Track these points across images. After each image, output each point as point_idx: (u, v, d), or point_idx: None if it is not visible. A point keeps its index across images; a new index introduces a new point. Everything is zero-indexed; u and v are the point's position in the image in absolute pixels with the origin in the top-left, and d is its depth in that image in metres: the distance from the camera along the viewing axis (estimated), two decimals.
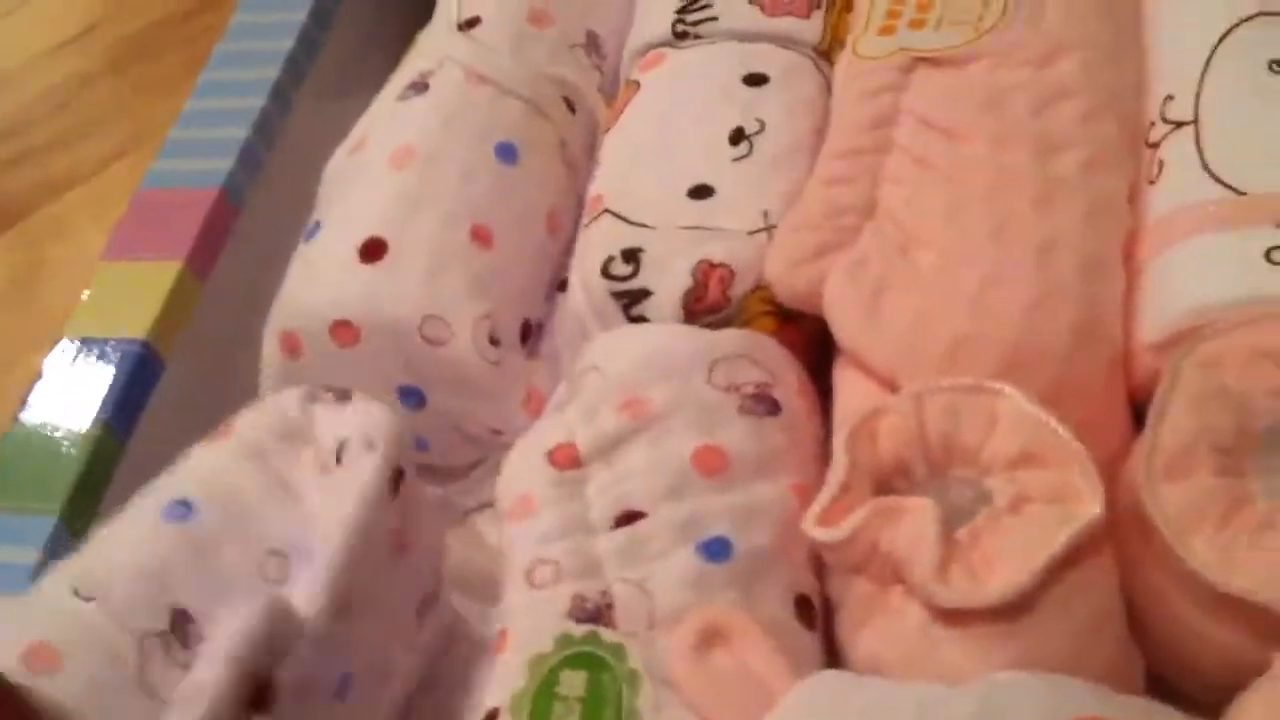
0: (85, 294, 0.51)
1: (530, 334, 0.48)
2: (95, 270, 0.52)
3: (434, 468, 0.48)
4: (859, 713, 0.31)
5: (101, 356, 0.48)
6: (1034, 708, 0.29)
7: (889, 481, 0.37)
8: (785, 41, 0.48)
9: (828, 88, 0.47)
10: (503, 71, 0.50)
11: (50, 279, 0.78)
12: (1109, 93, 0.42)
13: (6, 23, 0.95)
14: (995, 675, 0.31)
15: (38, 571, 0.43)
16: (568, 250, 0.48)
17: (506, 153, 0.48)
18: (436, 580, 0.39)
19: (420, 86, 0.50)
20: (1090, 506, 0.33)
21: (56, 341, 0.50)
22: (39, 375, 0.49)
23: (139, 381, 0.47)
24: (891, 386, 0.38)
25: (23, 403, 0.48)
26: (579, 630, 0.35)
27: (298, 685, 0.31)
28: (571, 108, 0.51)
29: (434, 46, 0.52)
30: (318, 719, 0.33)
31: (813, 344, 0.42)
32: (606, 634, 0.35)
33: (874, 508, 0.35)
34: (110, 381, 0.47)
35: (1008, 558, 0.33)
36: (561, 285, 0.49)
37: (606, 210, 0.45)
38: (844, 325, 0.39)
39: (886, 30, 0.45)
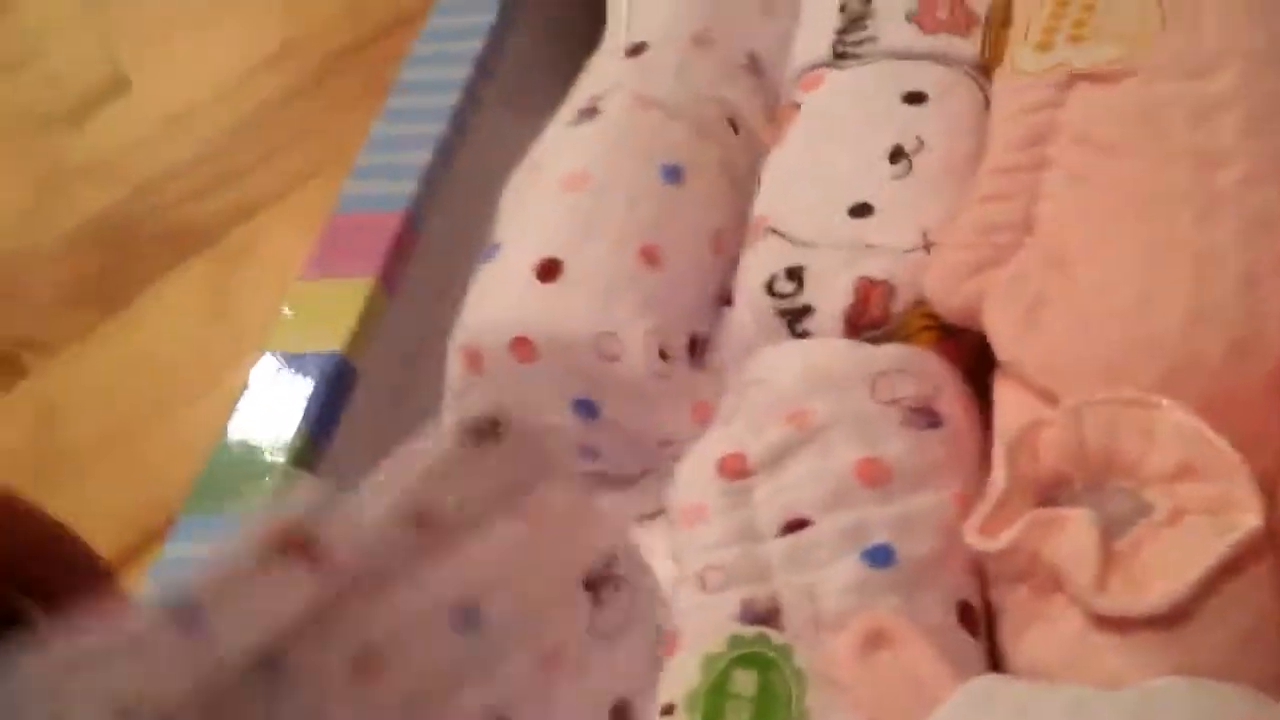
0: (286, 311, 0.55)
1: (698, 348, 0.50)
2: (291, 288, 0.56)
3: (605, 476, 0.50)
4: (1016, 713, 0.32)
5: (301, 369, 0.52)
6: (1189, 713, 0.30)
7: (1049, 492, 0.38)
8: (944, 59, 0.49)
9: (987, 103, 0.48)
10: (668, 95, 0.52)
11: (246, 297, 0.83)
12: (1269, 102, 0.42)
13: (199, 53, 1.00)
14: (1151, 680, 0.32)
15: None
16: (733, 266, 0.50)
17: (672, 174, 0.50)
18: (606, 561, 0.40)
19: (590, 112, 0.52)
20: (1249, 517, 0.34)
21: (258, 356, 0.54)
22: (245, 387, 0.53)
23: (336, 392, 0.51)
24: (1050, 399, 0.39)
25: (232, 412, 0.52)
26: (749, 631, 0.37)
27: None
28: (735, 128, 0.53)
29: (603, 72, 0.54)
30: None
31: (973, 357, 0.43)
32: (775, 635, 0.36)
33: (1034, 519, 0.36)
34: (310, 393, 0.51)
35: (1167, 568, 0.34)
36: (727, 300, 0.51)
37: (770, 229, 0.46)
38: (1002, 340, 0.41)
39: (1044, 45, 0.46)
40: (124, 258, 0.89)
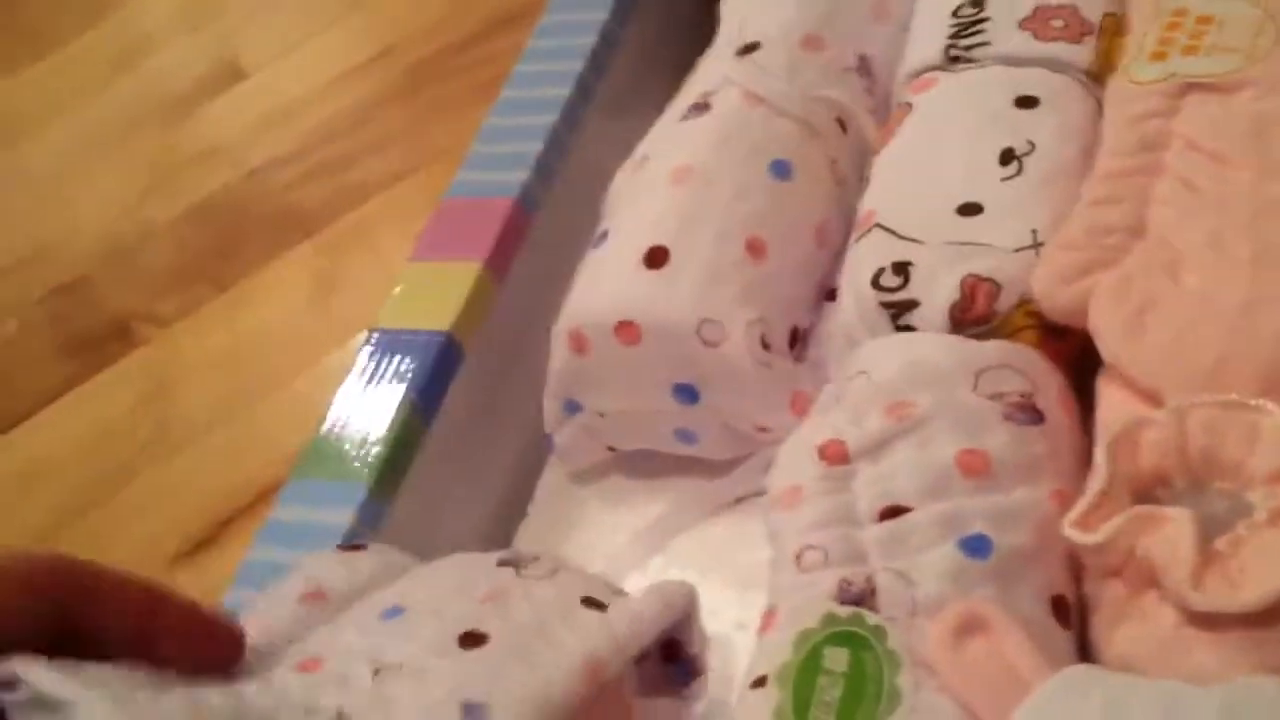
0: (396, 290, 0.56)
1: (798, 340, 0.50)
2: (402, 268, 0.58)
3: (701, 460, 0.51)
4: (1107, 705, 0.32)
5: (409, 346, 0.53)
6: (1277, 709, 0.30)
7: (1149, 491, 0.38)
8: (1056, 65, 0.49)
9: (1098, 111, 0.48)
10: (778, 93, 0.53)
11: (350, 282, 0.85)
12: None
13: (309, 47, 1.03)
14: (1242, 678, 0.32)
15: (350, 532, 0.49)
16: (836, 262, 0.51)
17: (780, 169, 0.51)
18: None
19: (702, 107, 0.53)
20: None
21: (364, 334, 0.56)
22: (351, 363, 0.55)
23: (442, 369, 0.52)
24: (1154, 400, 0.39)
25: (331, 382, 0.54)
26: (844, 611, 0.37)
27: None
28: (843, 128, 0.54)
29: (715, 69, 0.55)
30: None
31: (1076, 357, 0.44)
32: (870, 616, 0.37)
33: (1133, 515, 0.36)
34: (416, 367, 0.52)
35: (1264, 566, 0.34)
36: (829, 295, 0.51)
37: (878, 225, 0.47)
38: (1108, 340, 0.41)
39: (1159, 56, 0.46)
40: (233, 239, 0.92)
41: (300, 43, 1.03)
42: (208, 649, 0.32)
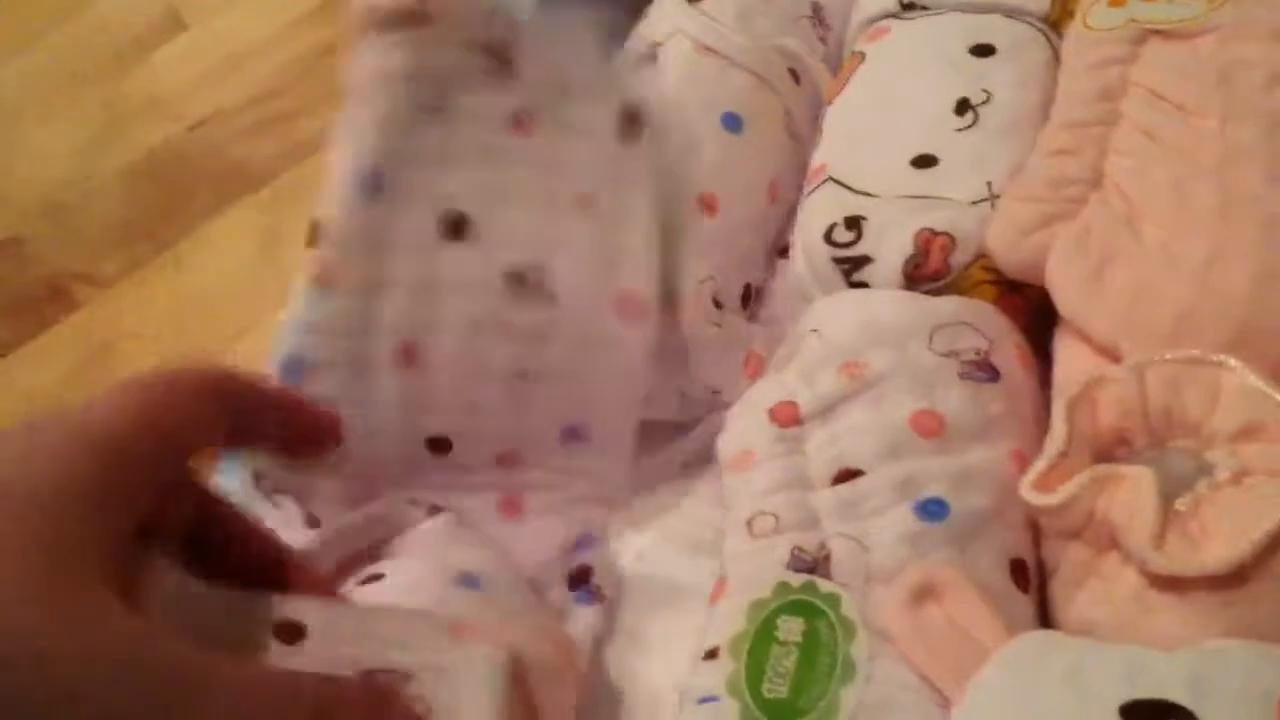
0: None
1: (751, 298, 0.49)
2: None
3: (654, 423, 0.50)
4: (1068, 671, 0.32)
5: None
6: (1246, 673, 0.30)
7: (1108, 450, 0.37)
8: (1013, 12, 0.48)
9: (1057, 59, 0.47)
10: (730, 44, 0.51)
11: (294, 240, 0.83)
12: None
13: None
14: (1207, 642, 0.31)
15: None
16: (789, 217, 0.50)
17: (732, 122, 0.50)
18: None
19: (649, 58, 0.52)
20: None
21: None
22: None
23: None
24: (1113, 357, 0.39)
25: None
26: (797, 579, 0.36)
27: None
28: (796, 78, 0.52)
29: (664, 19, 0.54)
30: None
31: (1033, 313, 0.43)
32: (823, 584, 0.36)
33: (1092, 475, 0.35)
34: None
35: (1227, 528, 0.33)
36: (783, 251, 0.50)
37: (830, 178, 0.46)
38: (1066, 296, 0.40)
39: (1117, 2, 0.45)
40: (177, 195, 0.90)
41: None
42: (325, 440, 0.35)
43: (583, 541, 0.46)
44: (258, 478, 0.45)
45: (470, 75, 0.45)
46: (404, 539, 0.43)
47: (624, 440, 0.45)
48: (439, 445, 0.45)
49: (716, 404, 0.47)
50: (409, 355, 0.44)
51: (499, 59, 0.45)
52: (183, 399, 0.30)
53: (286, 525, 0.44)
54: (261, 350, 0.54)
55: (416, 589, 0.40)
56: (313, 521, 0.45)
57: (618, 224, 0.45)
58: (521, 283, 0.44)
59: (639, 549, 0.47)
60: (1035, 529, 0.38)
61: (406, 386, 0.44)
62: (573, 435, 0.45)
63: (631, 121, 0.45)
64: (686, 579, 0.44)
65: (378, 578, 0.41)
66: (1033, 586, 0.38)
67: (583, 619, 0.43)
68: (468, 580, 0.40)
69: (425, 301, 0.44)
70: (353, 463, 0.45)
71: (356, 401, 0.44)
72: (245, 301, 0.81)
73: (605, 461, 0.46)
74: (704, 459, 0.46)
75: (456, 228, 0.44)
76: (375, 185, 0.44)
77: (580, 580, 0.45)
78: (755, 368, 0.47)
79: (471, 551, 0.42)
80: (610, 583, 0.45)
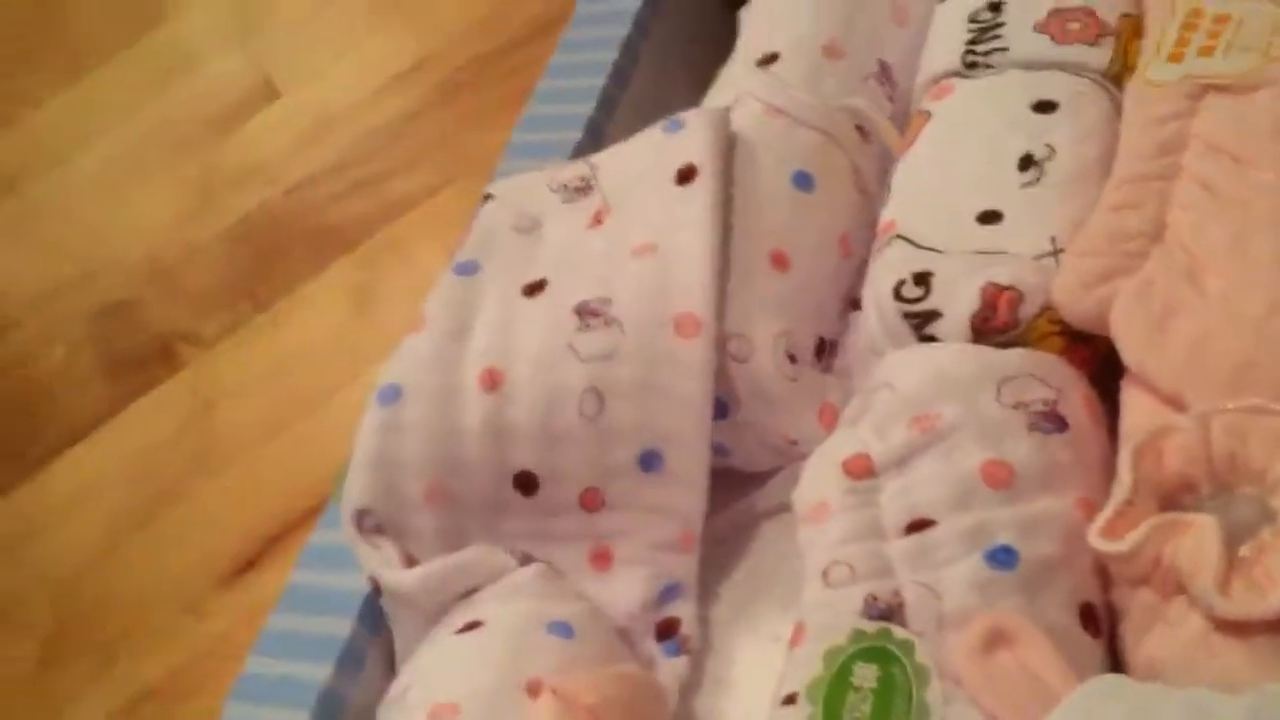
0: None
1: (825, 351, 0.51)
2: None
3: (735, 471, 0.52)
4: (1134, 712, 0.33)
5: None
6: None
7: (1174, 497, 0.38)
8: (1074, 68, 0.49)
9: (1117, 112, 0.48)
10: (798, 104, 0.53)
11: (388, 296, 0.86)
12: None
13: (342, 63, 1.04)
14: (1267, 684, 0.32)
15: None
16: (861, 271, 0.51)
17: (802, 181, 0.51)
18: None
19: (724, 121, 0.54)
20: None
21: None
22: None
23: None
24: (1177, 406, 0.40)
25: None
26: (872, 626, 0.38)
27: None
28: (864, 135, 0.54)
29: (734, 82, 0.56)
30: None
31: (1099, 364, 0.44)
32: (897, 631, 0.38)
33: (1158, 522, 0.36)
34: None
35: None
36: (855, 304, 0.52)
37: (898, 235, 0.47)
38: (1130, 347, 0.41)
39: (1176, 57, 0.46)
40: (273, 257, 0.94)
41: (336, 58, 1.04)
42: None
43: (669, 592, 0.47)
44: (360, 515, 0.48)
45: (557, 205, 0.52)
46: (498, 586, 0.45)
47: (699, 466, 0.47)
48: (527, 484, 0.47)
49: (794, 454, 0.49)
50: (493, 380, 0.47)
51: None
52: None
53: (386, 565, 0.47)
54: (358, 406, 0.56)
55: (512, 637, 0.42)
56: (410, 561, 0.47)
57: (674, 260, 0.48)
58: (589, 313, 0.47)
59: (724, 597, 0.48)
60: (1106, 575, 0.39)
61: (490, 409, 0.47)
62: (649, 463, 0.47)
63: (688, 173, 0.49)
64: (768, 626, 0.46)
65: (476, 625, 0.43)
66: (1103, 631, 0.39)
67: (670, 669, 0.45)
68: (561, 629, 0.42)
69: (506, 336, 0.48)
70: (448, 501, 0.47)
71: (446, 430, 0.47)
72: (341, 358, 0.84)
73: (683, 492, 0.47)
74: (782, 509, 0.48)
75: (536, 289, 0.49)
76: (471, 269, 0.50)
77: (668, 632, 0.47)
78: (830, 419, 0.48)
79: (564, 601, 0.44)
80: (697, 634, 0.47)
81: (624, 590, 0.47)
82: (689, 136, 0.51)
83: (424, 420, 0.47)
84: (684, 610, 0.47)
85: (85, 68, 1.15)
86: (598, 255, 0.49)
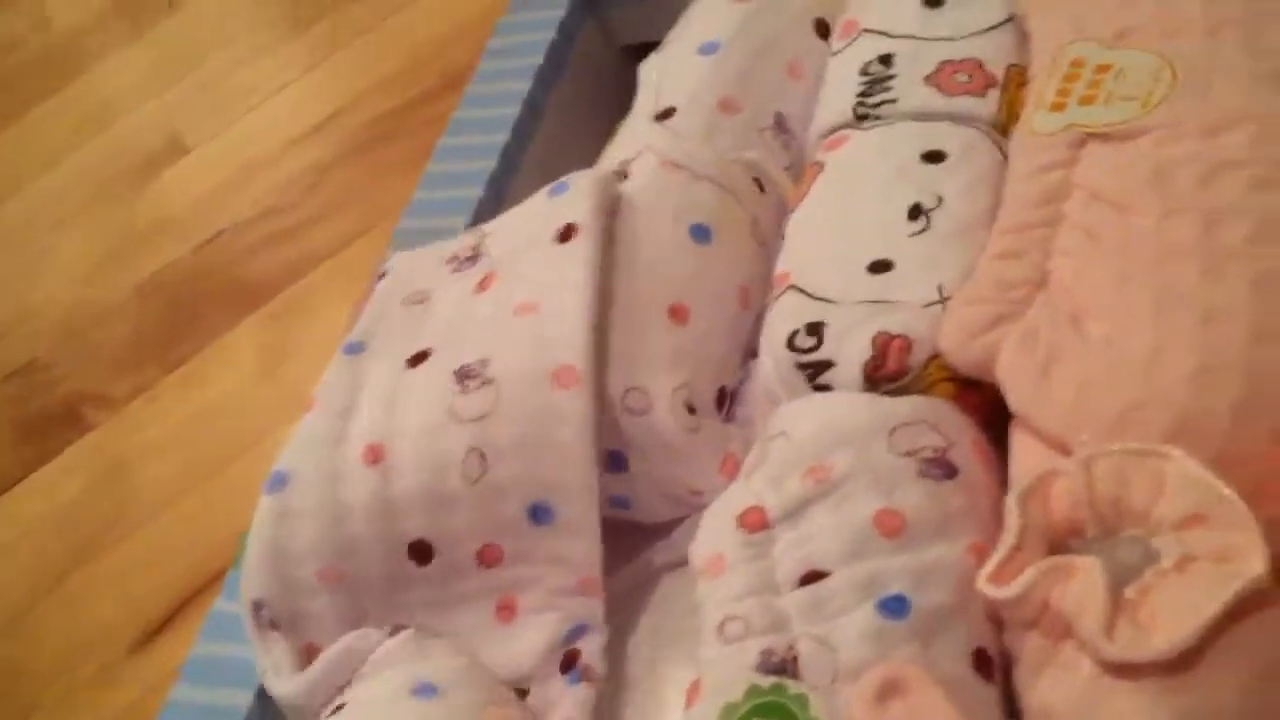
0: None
1: (725, 401, 0.51)
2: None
3: (638, 524, 0.52)
4: None
5: None
6: None
7: (1062, 541, 0.39)
8: (962, 119, 0.50)
9: (1004, 162, 0.49)
10: (695, 159, 0.53)
11: (298, 353, 0.86)
12: (1278, 164, 0.43)
13: (251, 118, 1.04)
14: None
15: None
16: (760, 321, 0.52)
17: (700, 233, 0.52)
18: None
19: (620, 175, 0.54)
20: (1254, 564, 0.34)
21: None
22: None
23: None
24: (1064, 451, 0.40)
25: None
26: (766, 681, 0.38)
27: None
28: (761, 187, 0.55)
29: (633, 136, 0.56)
30: None
31: (991, 409, 0.44)
32: (792, 685, 0.37)
33: (1044, 566, 0.37)
34: None
35: (1173, 614, 0.34)
36: (755, 354, 0.52)
37: (791, 286, 0.48)
38: (1016, 393, 0.42)
39: (1058, 106, 0.47)
40: (184, 315, 0.93)
41: (247, 112, 1.04)
42: None
43: (575, 633, 0.48)
44: (257, 607, 0.47)
45: (446, 276, 0.53)
46: (366, 665, 0.44)
47: (589, 514, 0.47)
48: (422, 552, 0.47)
49: (697, 505, 0.49)
50: (375, 455, 0.47)
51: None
52: None
53: (275, 669, 0.47)
54: (266, 465, 0.55)
55: (373, 710, 0.42)
56: (311, 651, 0.47)
57: (552, 315, 0.48)
58: (467, 376, 0.47)
59: (631, 654, 0.49)
60: (999, 620, 0.39)
61: (376, 484, 0.47)
62: (539, 515, 0.47)
63: (568, 232, 0.50)
64: (675, 681, 0.46)
65: (339, 708, 0.43)
66: (997, 676, 0.39)
67: (574, 698, 0.46)
68: (425, 691, 0.42)
69: (388, 410, 0.48)
70: (343, 582, 0.47)
71: (333, 512, 0.47)
72: (250, 417, 0.83)
73: (575, 542, 0.47)
74: (685, 560, 0.48)
75: (419, 359, 0.49)
76: (358, 348, 0.51)
77: (569, 664, 0.47)
78: (732, 469, 0.48)
79: (431, 662, 0.44)
80: (600, 664, 0.47)
81: (531, 637, 0.47)
82: (572, 198, 0.51)
83: (311, 505, 0.47)
84: (588, 644, 0.47)
85: (7, 117, 1.14)
86: (483, 320, 0.49)
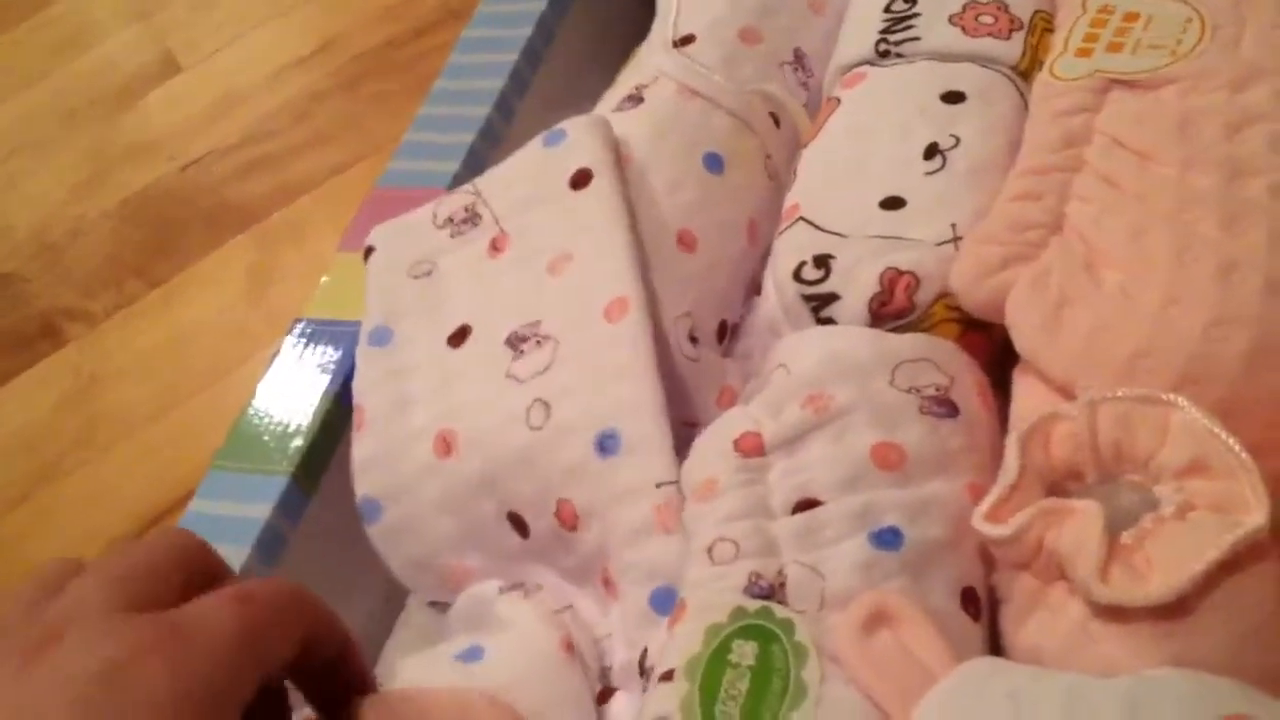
0: (324, 279, 0.56)
1: (726, 334, 0.50)
2: (331, 258, 0.57)
3: None
4: (1009, 696, 0.32)
5: (335, 336, 0.53)
6: (1182, 703, 0.30)
7: (1060, 484, 0.38)
8: (985, 61, 0.49)
9: (1025, 107, 0.48)
10: (713, 87, 0.52)
11: (284, 276, 0.84)
12: None
13: (245, 41, 1.02)
14: (1146, 671, 0.32)
15: (270, 524, 0.48)
16: (766, 257, 0.51)
17: (713, 163, 0.51)
18: None
19: (635, 99, 0.53)
20: (1255, 516, 0.34)
21: (293, 323, 0.55)
22: (278, 352, 0.54)
23: None
24: (1068, 395, 0.39)
25: (263, 374, 0.53)
26: (753, 605, 0.37)
27: None
28: (777, 122, 0.54)
29: (650, 62, 0.55)
30: None
31: (995, 351, 0.44)
32: (778, 610, 0.37)
33: (1041, 507, 0.36)
34: (340, 357, 0.52)
35: (1169, 560, 0.34)
36: (759, 289, 0.51)
37: (801, 218, 0.47)
38: (1024, 335, 0.41)
39: (1084, 52, 0.46)
40: (168, 234, 0.91)
41: (241, 35, 1.03)
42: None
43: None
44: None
45: (446, 241, 0.51)
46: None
47: (659, 430, 0.43)
48: (519, 524, 0.46)
49: (692, 437, 0.48)
50: (446, 444, 0.46)
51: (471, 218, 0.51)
52: (279, 617, 0.32)
53: None
54: (247, 387, 0.55)
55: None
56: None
57: (590, 261, 0.47)
58: (520, 340, 0.46)
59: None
60: (989, 559, 0.39)
61: (456, 471, 0.46)
62: (606, 445, 0.44)
63: (582, 178, 0.48)
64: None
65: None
66: (984, 615, 0.38)
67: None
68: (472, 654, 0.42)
69: (443, 397, 0.47)
70: (482, 571, 0.47)
71: (434, 515, 0.47)
72: (235, 336, 0.82)
73: (649, 459, 0.43)
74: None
75: (460, 337, 0.48)
76: (384, 337, 0.50)
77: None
78: (729, 402, 0.47)
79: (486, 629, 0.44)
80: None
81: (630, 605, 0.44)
82: (573, 145, 0.50)
83: (411, 518, 0.47)
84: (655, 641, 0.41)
85: None
86: (512, 288, 0.48)
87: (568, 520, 0.44)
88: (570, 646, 0.43)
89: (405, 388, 0.48)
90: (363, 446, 0.48)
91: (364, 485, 0.47)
